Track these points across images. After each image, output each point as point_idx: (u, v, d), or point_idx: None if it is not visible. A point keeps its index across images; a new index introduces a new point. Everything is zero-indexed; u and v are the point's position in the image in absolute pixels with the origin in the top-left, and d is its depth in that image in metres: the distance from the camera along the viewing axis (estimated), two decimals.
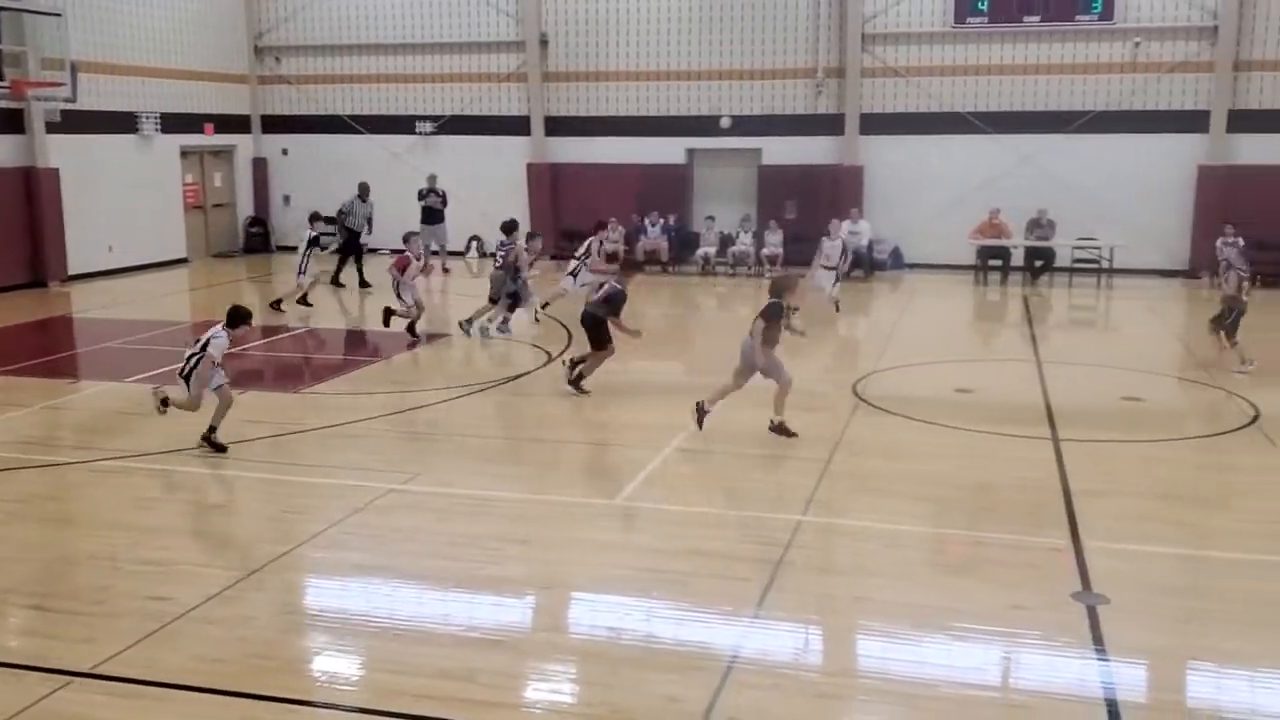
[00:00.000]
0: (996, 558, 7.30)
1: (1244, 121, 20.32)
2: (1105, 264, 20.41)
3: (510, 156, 23.84)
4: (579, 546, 7.50)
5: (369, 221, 20.76)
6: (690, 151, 23.43)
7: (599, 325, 11.69)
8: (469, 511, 8.14)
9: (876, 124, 21.99)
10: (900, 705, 5.42)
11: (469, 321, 15.00)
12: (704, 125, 22.81)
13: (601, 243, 17.43)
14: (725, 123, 22.48)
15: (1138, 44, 20.60)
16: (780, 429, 9.93)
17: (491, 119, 24.11)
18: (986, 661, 5.90)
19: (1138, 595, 6.64)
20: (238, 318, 9.60)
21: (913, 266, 21.99)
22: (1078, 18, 20.72)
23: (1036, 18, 20.88)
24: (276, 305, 17.03)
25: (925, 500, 8.52)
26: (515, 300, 15.09)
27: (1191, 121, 20.53)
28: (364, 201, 20.77)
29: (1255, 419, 10.59)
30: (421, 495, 8.39)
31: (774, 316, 9.97)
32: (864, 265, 21.10)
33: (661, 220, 22.55)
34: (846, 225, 18.55)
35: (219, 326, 9.53)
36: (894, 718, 5.35)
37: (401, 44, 24.34)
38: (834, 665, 5.95)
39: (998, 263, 20.88)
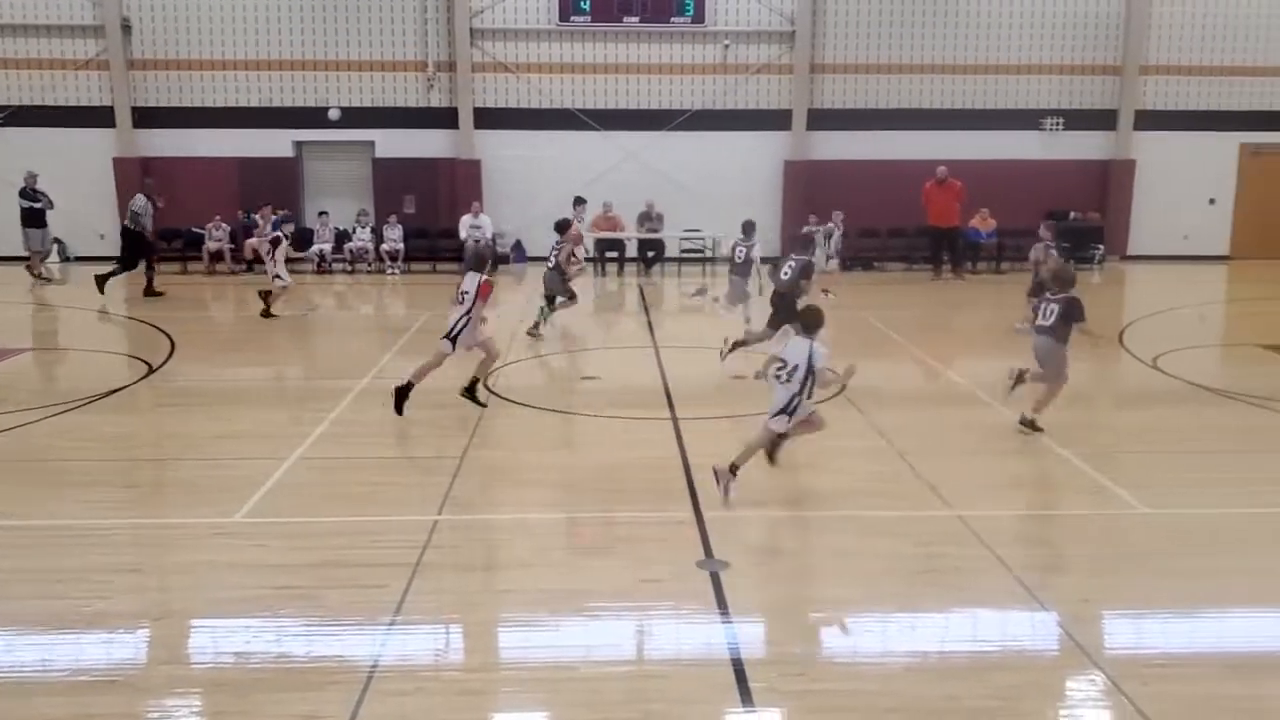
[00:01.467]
0: (627, 535, 7.57)
1: (821, 120, 22.38)
2: (709, 253, 21.79)
3: (94, 151, 21.80)
4: (197, 570, 6.97)
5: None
6: (298, 144, 22.52)
7: (791, 304, 11.75)
8: (66, 544, 7.34)
9: (491, 119, 22.19)
10: (542, 691, 5.48)
11: (536, 326, 14.54)
12: (312, 117, 21.99)
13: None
14: (334, 114, 21.80)
15: (727, 46, 22.12)
16: (1032, 425, 9.87)
17: (70, 110, 21.93)
18: (622, 637, 6.09)
19: (755, 557, 7.14)
20: (816, 322, 8.19)
21: (535, 260, 22.38)
22: (673, 19, 21.93)
23: (635, 18, 21.89)
24: (267, 309, 15.98)
25: (559, 487, 8.69)
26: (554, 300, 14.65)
27: (777, 120, 22.35)
28: (149, 199, 18.30)
29: (843, 389, 11.68)
30: (4, 531, 7.47)
31: (1079, 316, 9.67)
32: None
33: (273, 216, 21.48)
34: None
35: (809, 341, 7.98)
36: (536, 704, 5.41)
37: None
38: (476, 661, 5.91)
39: (614, 254, 21.75)
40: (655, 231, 21.68)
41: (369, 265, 21.31)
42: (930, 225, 20.80)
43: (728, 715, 5.30)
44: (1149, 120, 22.68)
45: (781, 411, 8.02)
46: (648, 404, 11.08)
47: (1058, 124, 22.56)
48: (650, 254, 21.80)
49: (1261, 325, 14.49)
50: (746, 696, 5.39)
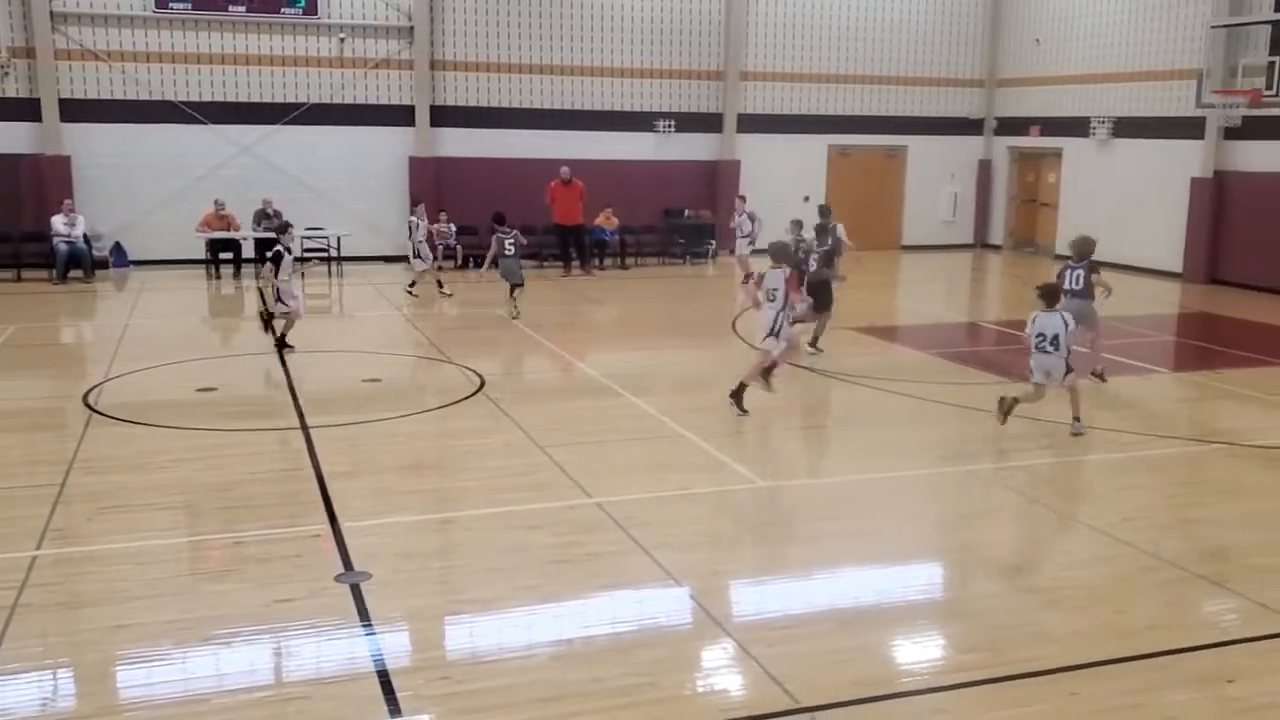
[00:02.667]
0: (257, 555, 7.15)
1: (446, 117, 22.27)
2: (334, 253, 21.09)
3: None
4: None
5: None
6: None
7: (827, 287, 13.59)
8: None
9: (81, 111, 20.24)
10: None
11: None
12: None
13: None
14: None
15: (343, 40, 21.49)
16: (1101, 376, 11.61)
17: None
18: (257, 662, 5.75)
19: (396, 565, 6.97)
20: (1055, 295, 10.01)
21: (138, 263, 20.70)
22: (283, 10, 20.99)
23: (242, 8, 20.75)
24: (279, 340, 13.28)
25: (177, 509, 8.08)
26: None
27: (400, 115, 21.99)
28: None
29: (482, 386, 11.71)
30: None
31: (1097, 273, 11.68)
32: (84, 265, 19.39)
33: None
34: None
35: (1056, 313, 9.79)
36: None
37: None
38: (90, 706, 5.36)
39: (229, 255, 20.50)
40: (273, 231, 20.68)
41: None
42: (556, 224, 21.28)
43: None
44: (750, 123, 24.43)
45: (1069, 372, 9.85)
46: (273, 413, 10.56)
47: (670, 126, 23.79)
48: (269, 254, 20.73)
49: (854, 310, 16.01)
50: (394, 707, 5.26)
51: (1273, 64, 18.49)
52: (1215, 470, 9.47)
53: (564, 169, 21.06)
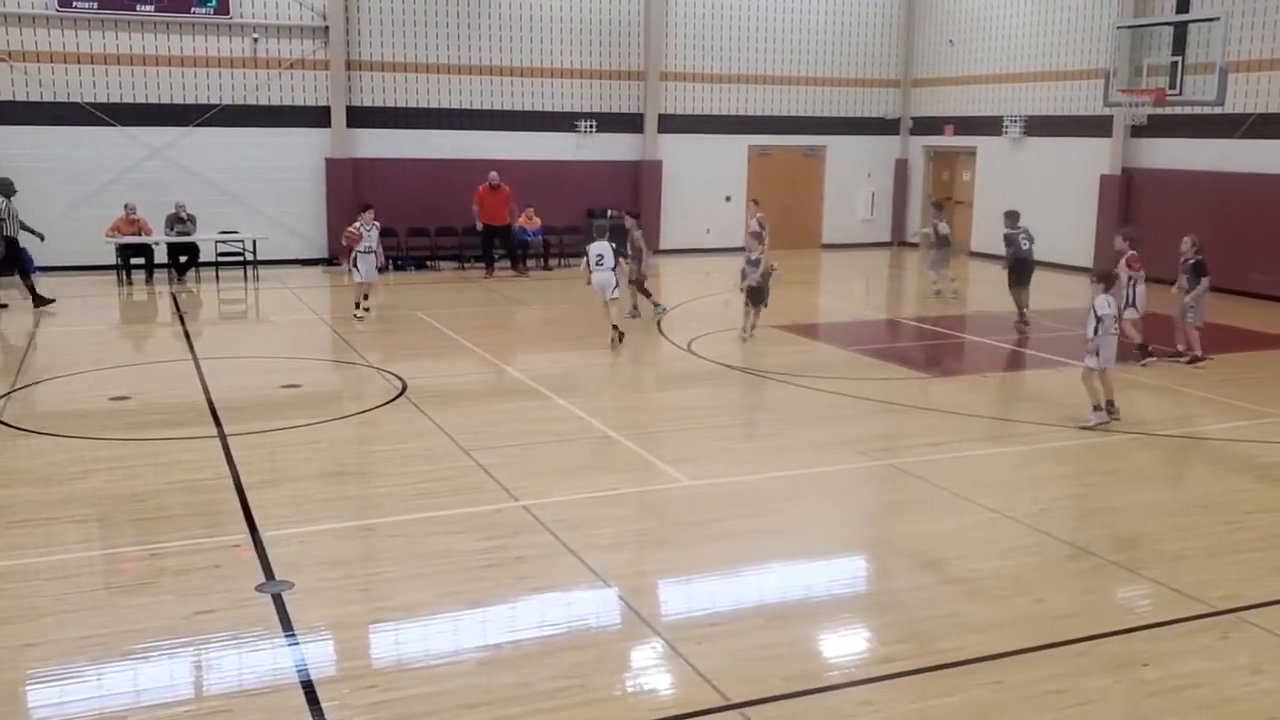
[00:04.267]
0: (175, 566, 6.98)
1: (364, 117, 21.96)
2: (250, 256, 20.68)
3: None
4: None
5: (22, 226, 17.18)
6: None
7: (1028, 268, 15.82)
8: None
9: None
10: None
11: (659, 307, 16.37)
12: None
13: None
14: None
15: (256, 40, 21.09)
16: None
17: None
18: (177, 676, 5.62)
19: (319, 574, 6.85)
20: (1112, 279, 10.42)
21: (45, 270, 20.08)
22: (194, 10, 20.53)
23: (150, 7, 20.24)
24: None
25: (90, 522, 7.86)
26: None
27: (316, 116, 21.63)
28: (9, 200, 16.84)
29: (403, 391, 11.56)
30: None
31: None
32: None
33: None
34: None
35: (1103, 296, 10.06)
36: None
37: None
38: None
39: (140, 261, 19.98)
40: (187, 234, 20.20)
41: None
42: (483, 224, 21.09)
43: None
44: (671, 123, 24.50)
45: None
46: (189, 421, 10.32)
47: (591, 126, 23.75)
48: (183, 259, 20.26)
49: (776, 308, 16.13)
50: (319, 717, 5.17)
51: (1175, 64, 19.05)
52: (1128, 460, 9.73)
53: (493, 174, 20.87)
